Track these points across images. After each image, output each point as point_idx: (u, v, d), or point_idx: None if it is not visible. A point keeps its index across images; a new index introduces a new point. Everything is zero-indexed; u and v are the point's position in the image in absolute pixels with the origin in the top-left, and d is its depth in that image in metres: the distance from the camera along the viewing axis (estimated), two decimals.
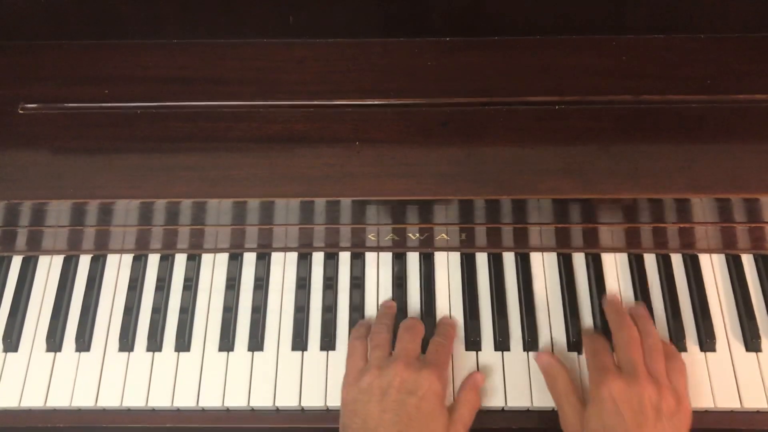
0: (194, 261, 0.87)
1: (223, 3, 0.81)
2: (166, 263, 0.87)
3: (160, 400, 0.79)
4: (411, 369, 0.73)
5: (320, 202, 0.77)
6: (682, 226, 0.82)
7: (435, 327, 0.82)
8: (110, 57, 0.83)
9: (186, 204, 0.78)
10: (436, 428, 0.71)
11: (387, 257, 0.86)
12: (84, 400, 0.80)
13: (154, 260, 0.87)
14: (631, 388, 0.70)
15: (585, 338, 0.79)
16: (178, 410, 0.80)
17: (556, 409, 0.78)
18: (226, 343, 0.82)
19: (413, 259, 0.86)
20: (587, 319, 0.82)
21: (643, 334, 0.77)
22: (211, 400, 0.79)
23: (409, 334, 0.77)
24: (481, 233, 0.84)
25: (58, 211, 0.79)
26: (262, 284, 0.85)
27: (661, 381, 0.72)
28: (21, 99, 0.81)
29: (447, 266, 0.86)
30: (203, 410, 0.80)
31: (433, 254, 0.86)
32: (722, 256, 0.86)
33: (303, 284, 0.85)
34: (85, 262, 0.87)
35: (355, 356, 0.77)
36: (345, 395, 0.75)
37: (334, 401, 0.78)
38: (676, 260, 0.86)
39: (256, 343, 0.82)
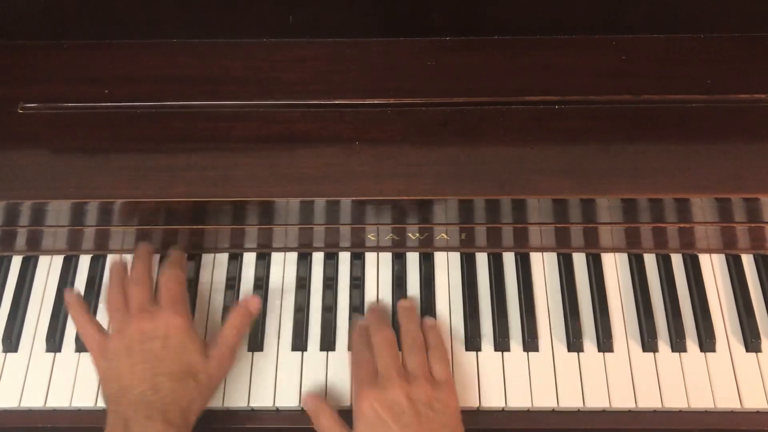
0: (194, 261, 0.86)
1: (223, 3, 0.81)
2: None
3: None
4: (147, 317, 0.74)
5: (320, 202, 0.77)
6: (682, 226, 0.82)
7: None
8: (110, 57, 0.83)
9: (185, 204, 0.78)
10: (189, 357, 0.73)
11: (387, 257, 0.86)
12: (84, 400, 0.80)
13: (154, 260, 0.87)
14: (386, 393, 0.71)
15: (352, 351, 0.79)
16: None
17: (556, 409, 0.78)
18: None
19: (413, 259, 0.86)
20: (587, 318, 0.82)
21: (403, 332, 0.78)
22: (211, 400, 0.79)
23: (135, 287, 0.78)
24: (480, 233, 0.84)
25: (58, 211, 0.79)
26: (261, 284, 0.85)
27: (418, 373, 0.73)
28: (21, 99, 0.81)
29: (447, 266, 0.86)
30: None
31: (432, 254, 0.86)
32: (722, 256, 0.86)
33: (303, 284, 0.85)
34: (85, 262, 0.87)
35: (87, 335, 0.77)
36: (98, 370, 0.76)
37: (335, 401, 0.78)
38: (676, 260, 0.86)
39: (255, 343, 0.81)
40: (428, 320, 0.81)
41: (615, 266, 0.86)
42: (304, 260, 0.86)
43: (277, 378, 0.80)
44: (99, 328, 0.78)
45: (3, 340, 0.83)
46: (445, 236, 0.84)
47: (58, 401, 0.80)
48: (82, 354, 0.82)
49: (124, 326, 0.75)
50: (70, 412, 0.81)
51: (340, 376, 0.79)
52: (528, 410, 0.79)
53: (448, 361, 0.77)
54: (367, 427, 0.70)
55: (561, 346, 0.81)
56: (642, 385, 0.79)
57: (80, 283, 0.86)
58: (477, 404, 0.78)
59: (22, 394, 0.80)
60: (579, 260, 0.86)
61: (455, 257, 0.86)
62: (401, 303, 0.82)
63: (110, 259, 0.87)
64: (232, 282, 0.85)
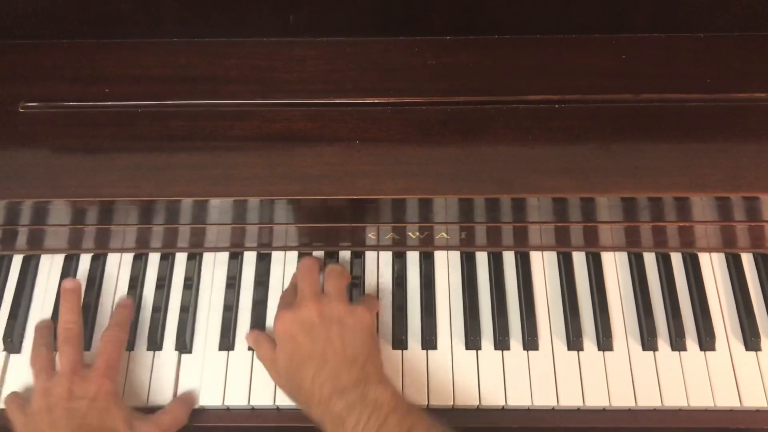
0: (194, 260, 0.87)
1: (224, 2, 0.81)
2: (167, 262, 0.87)
3: (160, 398, 0.79)
4: (78, 380, 0.74)
5: (320, 201, 0.77)
6: (681, 224, 0.82)
7: (435, 328, 0.82)
8: (111, 56, 0.83)
9: (186, 203, 0.78)
10: (113, 422, 0.72)
11: (387, 256, 0.87)
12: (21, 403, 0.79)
13: (154, 259, 0.87)
14: (297, 312, 0.74)
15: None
16: None
17: (555, 408, 0.78)
18: (227, 341, 0.82)
19: (413, 258, 0.86)
20: (587, 317, 0.82)
21: (327, 264, 0.83)
22: (211, 399, 0.79)
23: (66, 347, 0.77)
24: (481, 232, 0.84)
25: (59, 210, 0.79)
26: (262, 283, 0.85)
27: (332, 294, 0.77)
28: (21, 98, 0.81)
29: (447, 265, 0.86)
30: (203, 409, 0.80)
31: (433, 253, 0.86)
32: (722, 255, 0.86)
33: None
34: (85, 261, 0.87)
35: (12, 407, 0.76)
36: (17, 426, 0.75)
37: None
38: (676, 259, 0.86)
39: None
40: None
41: (615, 265, 0.86)
42: None
43: None
44: (15, 395, 0.78)
45: (4, 340, 0.83)
46: (445, 235, 0.84)
47: None
48: (83, 353, 0.82)
49: (51, 386, 0.74)
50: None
51: None
52: (528, 409, 0.79)
53: (374, 299, 0.82)
54: (282, 345, 0.74)
55: (561, 345, 0.81)
56: (642, 384, 0.79)
57: (81, 282, 0.86)
58: (477, 403, 0.78)
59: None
60: (579, 259, 0.86)
61: (455, 256, 0.86)
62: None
63: (111, 258, 0.87)
64: (233, 281, 0.85)
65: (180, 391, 0.80)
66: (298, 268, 0.82)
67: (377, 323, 0.82)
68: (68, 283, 0.82)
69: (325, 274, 0.81)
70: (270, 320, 0.83)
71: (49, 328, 0.81)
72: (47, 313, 0.84)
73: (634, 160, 0.75)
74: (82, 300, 0.84)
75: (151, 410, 0.78)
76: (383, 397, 0.68)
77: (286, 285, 0.85)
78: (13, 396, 0.78)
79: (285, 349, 0.74)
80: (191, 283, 0.85)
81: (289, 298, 0.79)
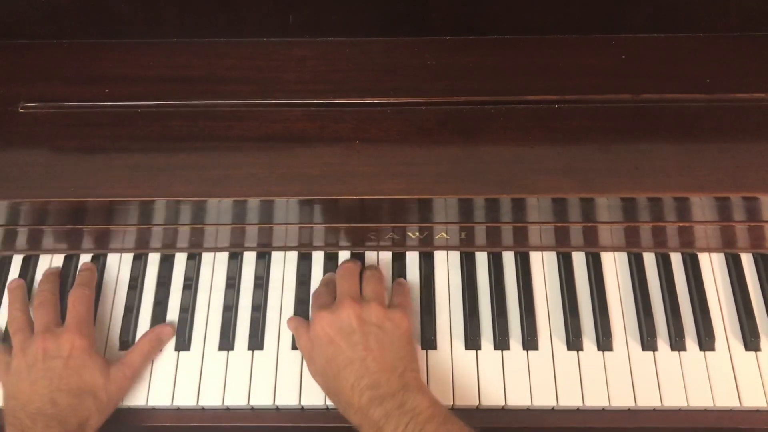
0: (194, 260, 0.87)
1: (223, 2, 0.81)
2: (166, 262, 0.87)
3: (160, 398, 0.79)
4: (50, 338, 0.76)
5: (320, 202, 0.77)
6: (681, 225, 0.82)
7: (435, 327, 0.82)
8: (110, 56, 0.83)
9: (186, 203, 0.78)
10: (90, 375, 0.75)
11: (387, 256, 0.87)
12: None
13: (154, 259, 0.87)
14: (336, 315, 0.74)
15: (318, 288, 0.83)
16: (178, 409, 0.80)
17: (555, 408, 0.78)
18: (226, 341, 0.82)
19: (413, 259, 0.86)
20: (587, 317, 0.82)
21: (365, 268, 0.83)
22: (211, 399, 0.79)
23: (41, 310, 0.80)
24: (480, 232, 0.84)
25: (58, 210, 0.79)
26: (262, 283, 0.85)
27: (371, 298, 0.77)
28: (21, 98, 0.81)
29: (447, 265, 0.86)
30: (203, 409, 0.80)
31: (432, 253, 0.86)
32: (722, 256, 0.86)
33: (304, 283, 0.85)
34: (85, 261, 0.87)
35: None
36: (4, 393, 0.77)
37: None
38: (676, 259, 0.86)
39: (256, 342, 0.82)
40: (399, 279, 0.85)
41: (614, 265, 0.86)
42: (305, 259, 0.86)
43: (277, 376, 0.80)
44: (3, 348, 0.80)
45: (4, 340, 0.83)
46: (444, 235, 0.84)
47: None
48: None
49: (27, 346, 0.76)
50: None
51: None
52: (528, 408, 0.79)
53: (406, 289, 0.83)
54: (320, 348, 0.74)
55: (560, 345, 0.81)
56: (641, 384, 0.79)
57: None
58: (477, 403, 0.78)
59: None
60: (579, 259, 0.86)
61: (455, 256, 0.86)
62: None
63: (110, 258, 0.87)
64: (232, 281, 0.85)
65: (179, 390, 0.80)
66: (338, 269, 0.82)
67: None
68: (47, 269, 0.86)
69: (364, 278, 0.81)
70: (270, 321, 0.83)
71: (23, 289, 0.84)
72: None
73: (633, 161, 0.75)
74: None
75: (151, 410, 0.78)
76: (421, 406, 0.69)
77: (286, 285, 0.85)
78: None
79: (323, 352, 0.74)
80: (191, 283, 0.85)
81: (324, 298, 0.79)
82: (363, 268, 0.84)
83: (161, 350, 0.82)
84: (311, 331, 0.76)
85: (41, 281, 0.84)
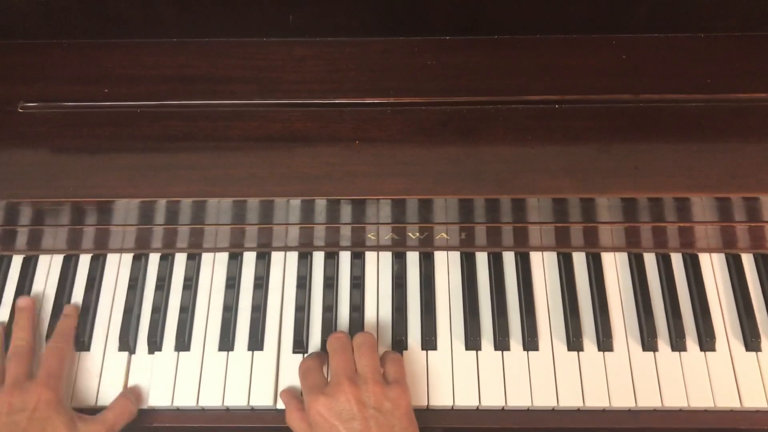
0: (194, 260, 0.86)
1: (223, 2, 0.81)
2: (166, 263, 0.87)
3: (160, 399, 0.79)
4: (17, 393, 0.74)
5: (320, 202, 0.77)
6: (681, 225, 0.82)
7: (435, 328, 0.82)
8: (110, 56, 0.83)
9: (186, 203, 0.78)
10: (54, 428, 0.73)
11: (387, 256, 0.86)
12: (84, 399, 0.80)
13: (154, 259, 0.87)
14: (333, 398, 0.72)
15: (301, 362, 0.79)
16: (178, 410, 0.80)
17: (555, 408, 0.78)
18: (226, 342, 0.82)
19: (413, 259, 0.86)
20: (587, 317, 0.82)
21: (354, 337, 0.78)
22: (210, 400, 0.79)
23: (12, 362, 0.78)
24: (480, 232, 0.84)
25: (58, 210, 0.79)
26: (261, 284, 0.85)
27: (367, 375, 0.73)
28: (21, 98, 0.81)
29: (447, 265, 0.86)
30: (203, 410, 0.80)
31: (433, 254, 0.86)
32: (722, 256, 0.86)
33: (303, 284, 0.85)
34: (85, 261, 0.87)
35: None
36: None
37: None
38: (676, 260, 0.86)
39: (255, 342, 0.81)
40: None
41: (615, 265, 0.86)
42: (305, 260, 0.86)
43: (278, 377, 0.80)
44: None
45: (4, 340, 0.82)
46: (445, 236, 0.84)
47: None
48: (83, 353, 0.82)
49: None
50: None
51: None
52: (528, 409, 0.79)
53: (401, 361, 0.78)
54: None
55: (561, 345, 0.81)
56: (642, 385, 0.79)
57: (80, 282, 0.86)
58: (477, 403, 0.78)
59: None
60: (579, 259, 0.86)
61: (455, 256, 0.86)
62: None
63: (110, 258, 0.87)
64: (232, 281, 0.85)
65: (179, 391, 0.80)
66: (328, 344, 0.78)
67: (377, 327, 0.82)
68: (22, 301, 0.83)
69: (355, 347, 0.77)
70: (270, 321, 0.83)
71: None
72: (46, 313, 0.84)
73: (634, 161, 0.75)
74: (82, 301, 0.84)
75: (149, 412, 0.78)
76: None
77: (286, 286, 0.85)
78: None
79: None
80: (191, 284, 0.85)
81: (316, 376, 0.76)
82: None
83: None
84: (308, 413, 0.73)
85: (17, 327, 0.82)
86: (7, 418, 0.73)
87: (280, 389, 0.79)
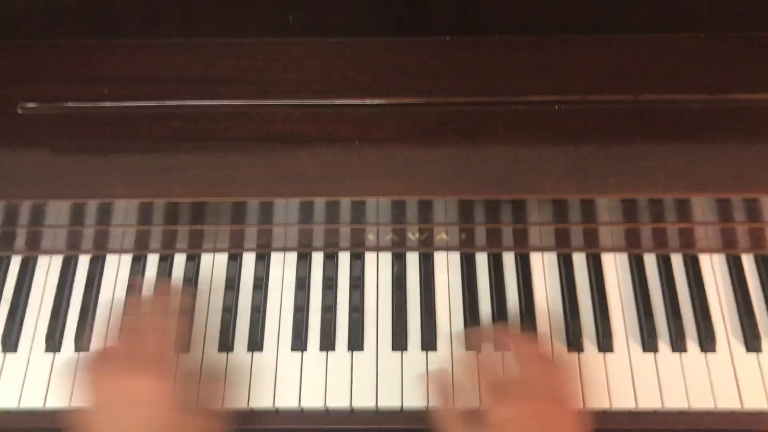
0: (193, 261, 0.86)
1: (223, 2, 0.81)
2: (166, 264, 0.86)
3: None
4: (134, 378, 0.68)
5: (320, 202, 0.77)
6: (682, 226, 0.82)
7: (435, 329, 0.82)
8: (109, 56, 0.83)
9: (185, 204, 0.78)
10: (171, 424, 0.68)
11: (386, 257, 0.86)
12: (84, 400, 0.79)
13: (153, 260, 0.87)
14: (517, 406, 0.69)
15: (481, 357, 0.78)
16: None
17: None
18: (226, 343, 0.81)
19: (413, 260, 0.86)
20: (587, 318, 0.82)
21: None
22: None
23: (149, 336, 0.72)
24: (480, 233, 0.83)
25: (57, 211, 0.79)
26: (261, 284, 0.85)
27: (542, 392, 0.70)
28: (20, 98, 0.81)
29: (447, 266, 0.86)
30: None
31: (432, 254, 0.86)
32: (722, 256, 0.86)
33: (302, 284, 0.85)
34: (84, 262, 0.87)
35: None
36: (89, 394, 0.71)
37: (334, 402, 0.78)
38: (676, 260, 0.86)
39: (255, 343, 0.81)
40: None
41: (615, 266, 0.86)
42: (304, 260, 0.86)
43: (277, 378, 0.80)
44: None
45: (2, 339, 0.82)
46: (444, 236, 0.84)
47: (58, 401, 0.79)
48: (82, 354, 0.82)
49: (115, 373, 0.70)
50: (69, 413, 0.80)
51: (340, 376, 0.79)
52: None
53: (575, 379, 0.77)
54: None
55: (561, 346, 0.81)
56: (642, 386, 0.79)
57: (79, 283, 0.86)
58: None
59: (21, 395, 0.80)
60: (579, 260, 0.86)
61: (455, 257, 0.86)
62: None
63: (109, 259, 0.87)
64: (232, 282, 0.85)
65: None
66: (520, 352, 0.73)
67: (376, 328, 0.82)
68: (160, 286, 0.81)
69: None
70: (269, 321, 0.83)
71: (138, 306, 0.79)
72: (45, 315, 0.84)
73: (634, 161, 0.75)
74: (81, 301, 0.84)
75: None
76: None
77: (285, 286, 0.85)
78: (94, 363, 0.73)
79: None
80: (190, 285, 0.85)
81: (497, 376, 0.75)
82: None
83: None
84: (489, 414, 0.69)
85: (154, 300, 0.77)
86: (127, 409, 0.68)
87: (278, 390, 0.79)
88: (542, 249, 0.86)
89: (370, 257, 0.86)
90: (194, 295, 0.81)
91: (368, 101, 0.80)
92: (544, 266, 0.86)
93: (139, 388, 0.68)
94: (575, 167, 0.75)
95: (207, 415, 0.72)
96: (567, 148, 0.76)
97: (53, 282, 0.86)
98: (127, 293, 0.84)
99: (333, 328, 0.82)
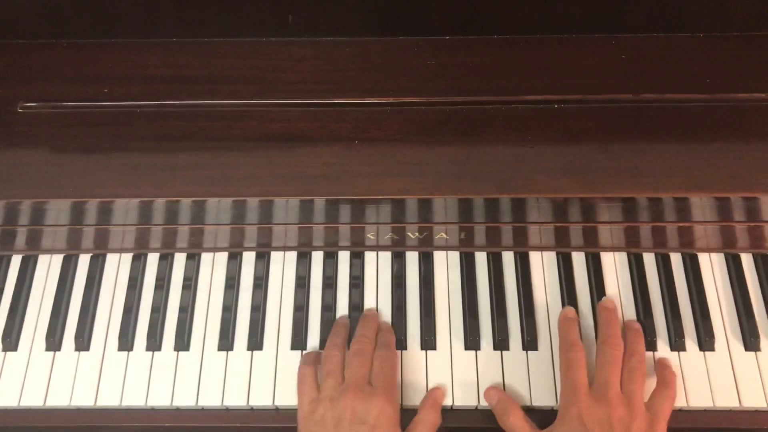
0: (193, 260, 0.86)
1: (223, 2, 0.81)
2: (166, 262, 0.87)
3: (159, 399, 0.79)
4: (361, 398, 0.72)
5: (319, 201, 0.77)
6: (681, 225, 0.82)
7: (434, 328, 0.82)
8: (109, 56, 0.83)
9: (185, 203, 0.78)
10: None
11: (386, 256, 0.86)
12: (83, 399, 0.80)
13: (153, 259, 0.87)
14: (600, 407, 0.71)
15: (561, 351, 0.78)
16: (178, 409, 0.80)
17: (556, 408, 0.78)
18: (226, 342, 0.82)
19: (412, 259, 0.86)
20: (587, 318, 0.82)
21: (628, 353, 0.77)
22: (210, 400, 0.79)
23: (358, 360, 0.76)
24: (480, 232, 0.84)
25: (58, 210, 0.79)
26: (261, 283, 0.85)
27: (635, 403, 0.72)
28: (20, 98, 0.81)
29: (446, 265, 0.86)
30: (202, 409, 0.80)
31: (432, 253, 0.86)
32: (721, 256, 0.86)
33: (302, 283, 0.85)
34: (84, 261, 0.87)
35: (306, 385, 0.76)
36: (301, 428, 0.74)
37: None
38: (676, 259, 0.86)
39: (255, 342, 0.82)
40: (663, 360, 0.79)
41: (614, 265, 0.86)
42: (304, 259, 0.86)
43: (277, 377, 0.80)
44: (316, 381, 0.76)
45: (2, 338, 0.82)
46: (444, 235, 0.84)
47: (58, 400, 0.80)
48: (82, 353, 0.82)
49: (336, 396, 0.73)
50: (69, 411, 0.81)
51: None
52: (527, 409, 0.79)
53: (672, 399, 0.75)
54: (568, 429, 0.71)
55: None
56: None
57: (79, 282, 0.86)
58: (476, 403, 0.78)
59: (21, 394, 0.80)
60: (578, 259, 0.86)
61: (455, 256, 0.86)
62: (629, 324, 0.80)
63: (109, 258, 0.87)
64: (232, 281, 0.85)
65: (179, 391, 0.79)
66: (607, 351, 0.75)
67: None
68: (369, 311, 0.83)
69: (625, 370, 0.75)
70: (269, 321, 0.83)
71: (346, 328, 0.81)
72: (45, 313, 0.84)
73: (634, 161, 0.75)
74: (81, 300, 0.84)
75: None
76: None
77: (285, 285, 0.85)
78: (309, 369, 0.77)
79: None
80: (190, 283, 0.85)
81: (582, 375, 0.74)
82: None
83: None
84: (567, 408, 0.72)
85: (363, 322, 0.80)
86: (350, 426, 0.70)
87: (279, 389, 0.79)
88: (542, 248, 0.86)
89: (369, 256, 0.87)
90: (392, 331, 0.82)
91: (368, 100, 0.80)
92: (543, 265, 0.86)
93: (376, 411, 0.71)
94: (575, 166, 0.75)
95: None
96: (566, 147, 0.76)
97: (53, 281, 0.86)
98: (127, 293, 0.84)
99: None
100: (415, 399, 0.78)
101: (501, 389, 0.78)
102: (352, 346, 0.78)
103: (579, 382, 0.73)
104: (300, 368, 0.78)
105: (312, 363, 0.78)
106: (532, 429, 0.74)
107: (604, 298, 0.83)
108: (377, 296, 0.84)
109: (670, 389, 0.76)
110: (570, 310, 0.81)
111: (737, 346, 0.81)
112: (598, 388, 0.73)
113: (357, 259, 0.86)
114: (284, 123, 0.79)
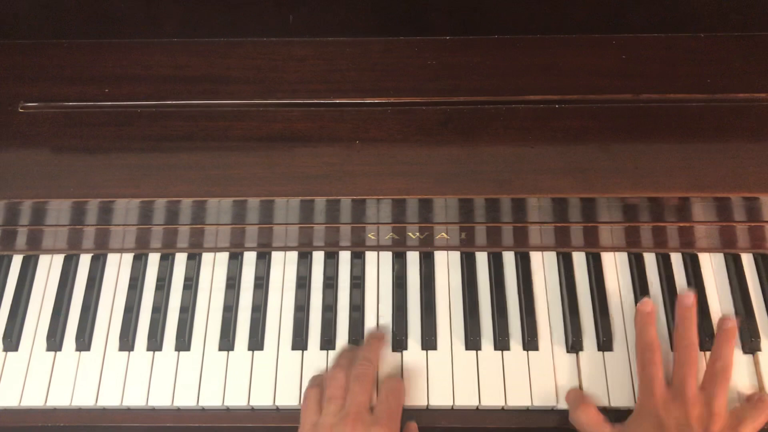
0: (194, 260, 0.87)
1: (224, 1, 0.81)
2: (167, 262, 0.87)
3: (160, 399, 0.79)
4: (360, 428, 0.71)
5: (320, 201, 0.77)
6: (681, 225, 0.82)
7: (435, 328, 0.82)
8: (110, 56, 0.83)
9: (186, 203, 0.78)
10: None
11: (387, 256, 0.86)
12: (84, 399, 0.80)
13: (154, 259, 0.87)
14: (677, 405, 0.71)
15: (638, 347, 0.78)
16: (178, 409, 0.80)
17: (555, 408, 0.78)
18: (226, 342, 0.82)
19: (413, 259, 0.86)
20: (587, 318, 0.82)
21: (713, 357, 0.76)
22: (211, 400, 0.79)
23: (359, 386, 0.74)
24: (480, 232, 0.84)
25: (58, 210, 0.79)
26: (262, 283, 0.85)
27: (715, 405, 0.71)
28: (21, 98, 0.81)
29: (447, 265, 0.86)
30: (203, 409, 0.80)
31: (433, 253, 0.86)
32: (722, 256, 0.86)
33: (303, 283, 0.85)
34: (85, 261, 0.87)
35: (308, 409, 0.75)
36: (303, 427, 0.74)
37: None
38: (676, 259, 0.86)
39: (256, 342, 0.82)
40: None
41: (615, 265, 0.86)
42: (305, 259, 0.86)
43: (277, 377, 0.80)
44: (320, 404, 0.75)
45: (3, 339, 0.83)
46: (445, 235, 0.84)
47: (59, 400, 0.80)
48: (83, 353, 0.82)
49: (336, 421, 0.72)
50: (70, 411, 0.81)
51: None
52: (528, 409, 0.79)
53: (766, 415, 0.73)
54: (643, 424, 0.71)
55: (560, 346, 0.81)
56: None
57: (80, 282, 0.86)
58: (477, 403, 0.78)
59: (22, 394, 0.80)
60: (579, 259, 0.86)
61: (455, 256, 0.86)
62: (721, 323, 0.79)
63: (110, 258, 0.87)
64: (232, 281, 0.85)
65: (179, 391, 0.80)
66: (684, 350, 0.75)
67: (377, 327, 0.82)
68: (375, 333, 0.81)
69: (707, 376, 0.74)
70: (270, 321, 0.83)
71: (354, 350, 0.80)
72: (46, 314, 0.84)
73: (634, 160, 0.75)
74: (82, 300, 0.84)
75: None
76: None
77: (286, 286, 0.85)
78: (314, 391, 0.76)
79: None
80: (191, 284, 0.85)
81: (660, 371, 0.74)
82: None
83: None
84: (644, 402, 0.72)
85: (367, 347, 0.78)
86: None
87: (279, 389, 0.79)
88: (542, 248, 0.86)
89: (370, 256, 0.87)
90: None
91: (368, 100, 0.80)
92: (544, 265, 0.86)
93: None
94: (575, 166, 0.75)
95: None
96: (567, 147, 0.76)
97: (54, 281, 0.86)
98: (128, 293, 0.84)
99: (333, 327, 0.82)
100: (416, 399, 0.78)
101: (575, 387, 0.78)
102: (353, 369, 0.76)
103: (655, 379, 0.73)
104: (306, 390, 0.77)
105: (318, 385, 0.77)
106: (604, 422, 0.74)
107: (685, 291, 0.80)
108: (378, 296, 0.84)
109: (761, 411, 0.73)
110: (647, 302, 0.79)
111: (737, 345, 0.81)
112: (676, 386, 0.73)
113: (358, 259, 0.86)
114: (285, 123, 0.79)
